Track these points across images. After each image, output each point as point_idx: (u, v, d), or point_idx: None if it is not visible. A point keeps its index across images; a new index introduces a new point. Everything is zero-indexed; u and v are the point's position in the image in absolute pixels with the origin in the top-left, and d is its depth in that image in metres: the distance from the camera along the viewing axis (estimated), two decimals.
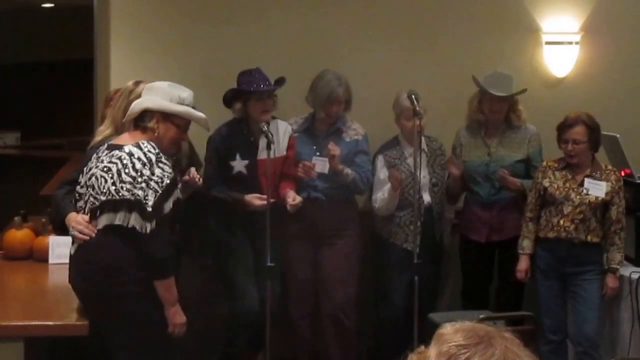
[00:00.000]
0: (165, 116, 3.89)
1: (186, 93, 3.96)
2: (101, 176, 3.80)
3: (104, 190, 3.77)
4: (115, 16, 5.61)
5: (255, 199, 5.03)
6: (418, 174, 4.93)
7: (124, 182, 3.73)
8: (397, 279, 5.35)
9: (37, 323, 3.88)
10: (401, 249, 5.36)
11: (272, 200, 4.84)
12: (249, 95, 5.05)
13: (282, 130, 5.25)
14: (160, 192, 3.72)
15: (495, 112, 5.41)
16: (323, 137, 5.33)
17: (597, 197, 5.02)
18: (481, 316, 4.67)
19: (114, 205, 3.75)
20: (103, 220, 3.78)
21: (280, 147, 5.19)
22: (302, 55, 5.67)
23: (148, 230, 3.70)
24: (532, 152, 5.45)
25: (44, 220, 5.12)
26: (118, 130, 4.13)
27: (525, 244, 5.20)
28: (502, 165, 5.38)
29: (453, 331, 1.68)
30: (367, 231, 5.49)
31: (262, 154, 5.10)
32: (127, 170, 3.75)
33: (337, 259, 5.31)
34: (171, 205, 3.77)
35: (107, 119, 4.29)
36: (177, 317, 3.87)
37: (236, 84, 5.10)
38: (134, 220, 3.71)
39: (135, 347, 3.80)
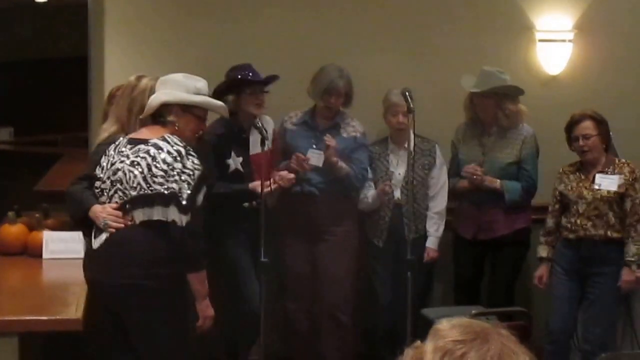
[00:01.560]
0: (185, 108, 3.87)
1: (201, 83, 3.94)
2: (129, 171, 3.76)
3: (134, 185, 3.74)
4: (109, 12, 5.61)
5: (259, 186, 4.96)
6: (411, 170, 4.94)
7: (156, 176, 3.70)
8: (374, 272, 5.46)
9: (31, 318, 3.88)
10: (372, 242, 5.45)
11: (270, 188, 4.82)
12: (243, 88, 5.07)
13: (268, 124, 5.23)
14: (193, 184, 3.70)
15: (481, 111, 5.44)
16: (321, 131, 5.34)
17: (609, 191, 5.01)
18: (473, 312, 4.70)
19: (148, 199, 3.71)
20: (139, 215, 3.73)
21: (269, 141, 5.16)
22: (299, 52, 5.69)
23: (184, 223, 3.67)
24: (525, 154, 5.43)
25: (37, 215, 5.13)
26: (124, 128, 4.07)
27: (541, 249, 5.21)
28: (494, 166, 5.40)
29: (449, 327, 1.68)
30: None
31: (253, 149, 5.15)
32: (157, 164, 3.71)
33: (333, 255, 5.31)
34: (202, 198, 3.75)
35: (111, 116, 4.22)
36: (208, 310, 3.91)
37: (227, 79, 5.10)
38: (173, 214, 3.68)
39: (164, 341, 3.78)
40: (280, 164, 5.32)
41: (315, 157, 5.25)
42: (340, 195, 5.34)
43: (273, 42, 5.67)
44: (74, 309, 3.92)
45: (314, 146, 5.30)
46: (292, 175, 5.14)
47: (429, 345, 1.66)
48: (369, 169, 5.43)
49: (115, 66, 5.51)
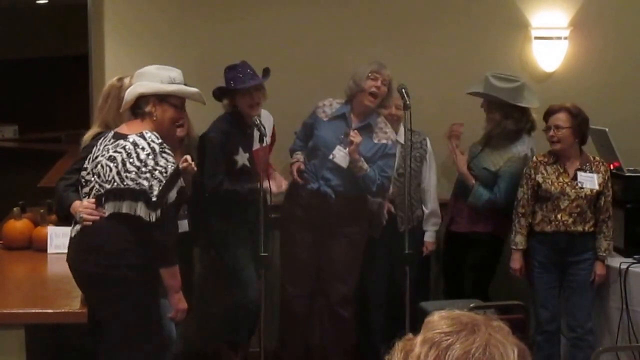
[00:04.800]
0: (160, 98, 3.93)
1: (175, 72, 4.00)
2: (106, 165, 3.85)
3: (109, 179, 3.83)
4: (109, 12, 5.66)
5: (273, 186, 5.01)
6: (408, 167, 4.96)
7: (129, 172, 3.79)
8: (371, 265, 5.46)
9: (37, 311, 3.94)
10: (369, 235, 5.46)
11: (270, 186, 4.86)
12: (235, 91, 5.10)
13: (266, 119, 5.20)
14: (164, 181, 3.78)
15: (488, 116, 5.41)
16: (352, 129, 5.12)
17: (592, 190, 5.08)
18: (471, 305, 4.70)
19: (119, 193, 3.80)
20: (109, 208, 3.82)
21: (267, 137, 5.06)
22: (297, 50, 5.73)
23: (153, 219, 3.76)
24: (503, 170, 5.34)
25: (42, 211, 5.19)
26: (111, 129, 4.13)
27: (519, 240, 5.21)
28: (478, 166, 5.41)
29: (439, 319, 1.70)
30: None
31: (255, 145, 5.17)
32: (131, 160, 3.80)
33: (341, 254, 5.26)
34: (175, 195, 3.82)
35: (97, 119, 4.33)
36: (180, 303, 3.97)
37: (224, 80, 5.13)
38: (140, 210, 3.77)
39: (128, 330, 3.85)
40: (295, 154, 5.31)
41: (340, 157, 5.13)
42: (355, 198, 5.22)
43: (271, 40, 5.70)
44: (79, 302, 4.00)
45: (342, 144, 5.14)
46: (284, 186, 5.17)
47: (419, 337, 1.68)
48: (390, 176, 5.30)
49: (116, 64, 5.56)
